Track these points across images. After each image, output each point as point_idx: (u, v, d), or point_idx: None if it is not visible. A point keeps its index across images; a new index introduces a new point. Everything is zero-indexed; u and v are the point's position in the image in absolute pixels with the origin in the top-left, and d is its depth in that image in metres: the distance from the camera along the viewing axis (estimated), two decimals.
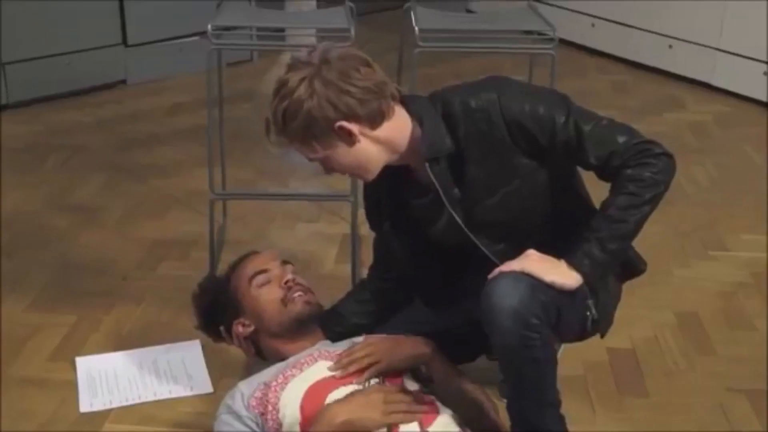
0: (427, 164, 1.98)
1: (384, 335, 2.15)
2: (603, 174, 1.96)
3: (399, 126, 1.97)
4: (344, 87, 1.88)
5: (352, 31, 2.79)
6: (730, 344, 2.69)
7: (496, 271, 1.90)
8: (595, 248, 1.91)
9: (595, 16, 5.22)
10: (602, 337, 2.17)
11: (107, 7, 4.44)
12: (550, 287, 1.89)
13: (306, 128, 1.89)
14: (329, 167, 2.00)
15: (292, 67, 1.92)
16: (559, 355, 2.25)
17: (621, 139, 1.93)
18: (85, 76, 4.44)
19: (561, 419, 2.03)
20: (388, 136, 1.96)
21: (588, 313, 2.03)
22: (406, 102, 2.00)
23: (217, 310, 2.27)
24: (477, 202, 2.01)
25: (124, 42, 4.54)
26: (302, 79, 1.88)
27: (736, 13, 4.56)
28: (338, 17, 3.02)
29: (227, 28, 2.97)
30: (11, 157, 3.80)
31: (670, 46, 4.88)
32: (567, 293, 1.92)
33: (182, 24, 4.53)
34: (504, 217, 2.02)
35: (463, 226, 2.03)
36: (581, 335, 2.12)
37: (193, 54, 4.15)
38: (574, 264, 1.91)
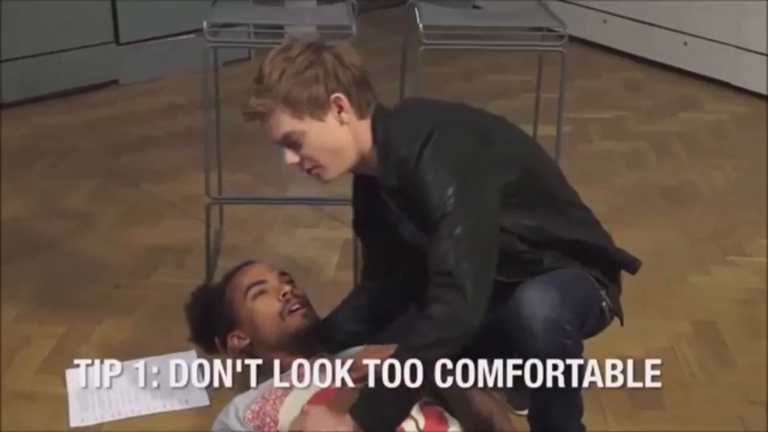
0: (382, 191, 2.02)
1: (384, 345, 2.15)
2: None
3: (367, 132, 2.00)
4: (347, 63, 1.94)
5: (354, 29, 2.80)
6: (750, 354, 2.69)
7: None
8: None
9: (607, 12, 5.22)
10: (622, 324, 2.18)
11: (99, 3, 4.45)
12: (574, 289, 1.94)
13: (304, 92, 1.91)
14: (298, 146, 1.96)
15: (293, 40, 1.98)
16: None
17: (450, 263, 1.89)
18: (75, 76, 4.46)
19: (583, 428, 2.08)
20: (361, 136, 1.99)
21: (603, 304, 2.07)
22: (375, 114, 2.02)
23: (210, 322, 2.29)
24: (425, 225, 2.02)
25: (116, 40, 4.56)
26: (307, 47, 1.93)
27: (756, 8, 4.55)
28: (339, 14, 3.03)
29: (224, 26, 2.98)
30: (0, 160, 3.81)
31: (685, 43, 4.88)
32: (586, 291, 1.98)
33: (177, 21, 4.53)
34: None
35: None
36: (601, 328, 2.15)
37: (189, 52, 4.13)
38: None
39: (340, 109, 1.94)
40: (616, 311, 2.13)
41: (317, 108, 1.93)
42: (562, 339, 1.91)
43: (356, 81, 1.95)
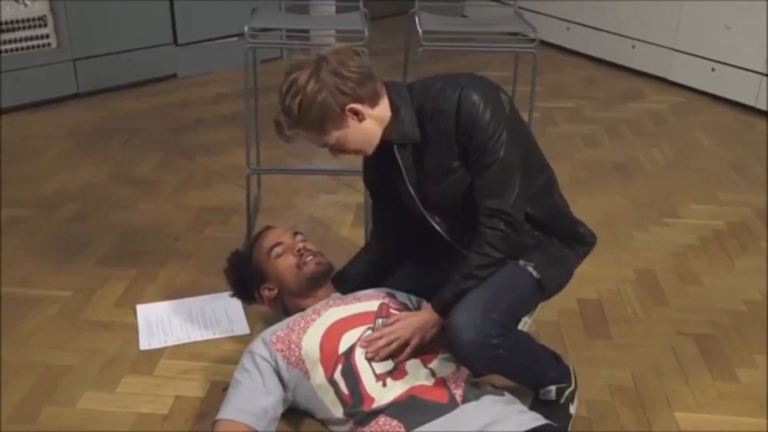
0: (395, 147, 1.97)
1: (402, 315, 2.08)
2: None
3: (386, 106, 1.95)
4: (345, 74, 1.86)
5: (366, 33, 2.77)
6: (680, 296, 2.69)
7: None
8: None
9: (570, 21, 5.17)
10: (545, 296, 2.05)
11: (161, 12, 4.41)
12: (502, 296, 1.86)
13: (322, 114, 1.85)
14: (340, 147, 1.94)
15: (295, 67, 1.88)
16: (526, 327, 2.24)
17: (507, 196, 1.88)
18: (142, 70, 4.43)
19: (554, 359, 2.06)
20: (381, 115, 1.94)
21: (533, 275, 1.95)
22: (388, 87, 1.97)
23: (245, 281, 2.28)
24: (430, 186, 1.99)
25: (175, 41, 4.52)
26: (309, 75, 1.84)
27: (690, 17, 4.51)
28: (354, 20, 2.99)
29: (261, 30, 2.95)
30: (82, 138, 3.79)
31: (633, 47, 4.84)
32: (515, 289, 1.91)
33: (223, 26, 4.52)
34: (450, 200, 1.98)
35: (418, 202, 2.02)
36: (546, 298, 2.06)
37: (233, 52, 4.13)
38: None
39: (355, 113, 1.89)
40: (548, 284, 1.99)
41: (338, 121, 1.88)
42: (491, 352, 1.81)
43: (360, 82, 1.87)
